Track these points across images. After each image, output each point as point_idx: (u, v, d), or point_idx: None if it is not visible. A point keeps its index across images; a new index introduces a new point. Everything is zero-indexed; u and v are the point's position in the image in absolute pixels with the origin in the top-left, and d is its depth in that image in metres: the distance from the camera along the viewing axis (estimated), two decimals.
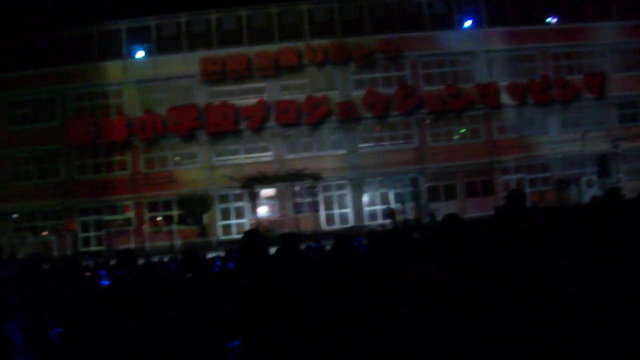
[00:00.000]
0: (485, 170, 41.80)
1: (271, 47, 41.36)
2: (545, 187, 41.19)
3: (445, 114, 42.08)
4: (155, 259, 18.86)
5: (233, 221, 40.89)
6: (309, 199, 41.07)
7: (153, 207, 41.18)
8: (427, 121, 42.22)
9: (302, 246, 13.37)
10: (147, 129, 40.38)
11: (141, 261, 10.60)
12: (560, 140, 41.35)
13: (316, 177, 40.00)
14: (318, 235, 29.74)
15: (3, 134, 40.69)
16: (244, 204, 40.98)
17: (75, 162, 41.09)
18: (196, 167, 41.20)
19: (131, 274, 7.72)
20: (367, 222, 40.16)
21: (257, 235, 6.62)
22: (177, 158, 41.86)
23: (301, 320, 5.50)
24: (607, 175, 38.53)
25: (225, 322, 6.59)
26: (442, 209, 32.43)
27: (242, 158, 41.16)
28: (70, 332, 7.12)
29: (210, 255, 18.59)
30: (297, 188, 40.90)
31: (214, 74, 40.94)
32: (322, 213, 41.15)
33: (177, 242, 37.93)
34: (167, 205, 40.90)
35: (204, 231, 39.81)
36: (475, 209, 34.91)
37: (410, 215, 39.44)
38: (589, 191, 35.87)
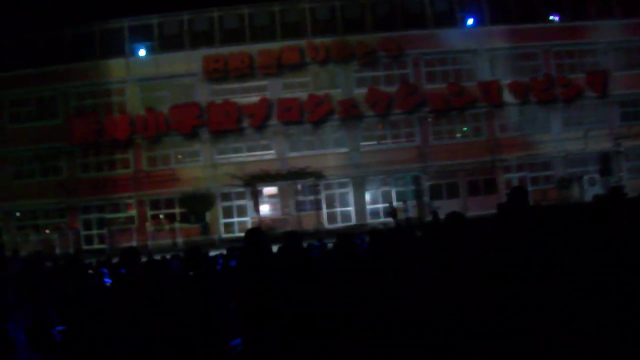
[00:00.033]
0: (487, 168, 41.79)
1: (273, 45, 41.35)
2: (548, 185, 41.15)
3: (447, 112, 42.05)
4: (157, 257, 18.91)
5: (235, 219, 40.90)
6: (311, 197, 41.09)
7: (155, 205, 41.19)
8: (430, 119, 42.16)
9: (305, 244, 13.39)
10: (149, 127, 40.39)
11: (144, 259, 10.61)
12: (563, 139, 41.35)
13: (318, 175, 40.03)
14: (320, 234, 29.76)
15: (5, 132, 40.76)
16: (246, 202, 40.97)
17: (77, 160, 41.10)
18: (198, 165, 41.21)
19: (134, 272, 7.72)
20: (369, 220, 40.16)
21: (260, 233, 6.62)
22: (180, 156, 41.88)
23: (303, 319, 5.50)
24: (610, 173, 38.50)
25: (227, 320, 6.59)
26: (444, 207, 32.52)
27: (244, 156, 41.14)
28: (73, 330, 7.13)
29: (212, 253, 18.58)
30: (299, 186, 40.91)
31: (216, 72, 40.93)
32: (324, 211, 41.16)
33: (180, 240, 37.95)
34: (169, 204, 40.92)
35: (206, 229, 39.84)
36: (478, 207, 34.91)
37: (413, 213, 39.42)
38: (591, 190, 35.84)
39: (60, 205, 40.63)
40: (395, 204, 40.56)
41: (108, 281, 10.63)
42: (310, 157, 40.49)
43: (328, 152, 41.19)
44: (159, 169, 40.95)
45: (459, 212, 6.69)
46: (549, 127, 42.55)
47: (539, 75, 42.61)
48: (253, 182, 39.74)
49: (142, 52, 42.05)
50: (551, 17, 44.23)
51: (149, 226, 40.04)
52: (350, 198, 41.56)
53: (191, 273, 7.31)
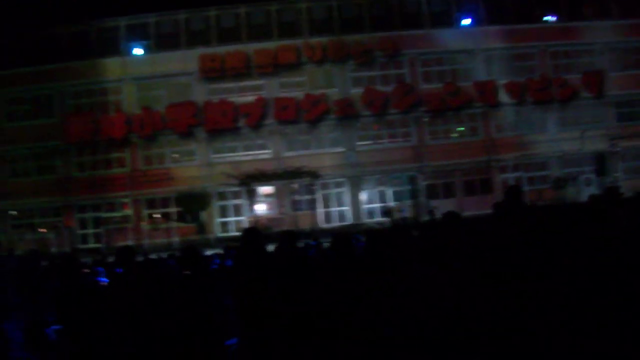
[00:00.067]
0: (483, 168, 41.84)
1: (270, 45, 41.36)
2: (544, 185, 41.16)
3: (443, 112, 42.08)
4: (153, 256, 18.90)
5: (231, 219, 40.88)
6: (307, 197, 41.13)
7: (151, 204, 41.15)
8: (426, 119, 42.19)
9: (301, 244, 13.39)
10: (145, 126, 40.38)
11: (140, 258, 10.61)
12: (559, 139, 41.39)
13: (314, 174, 40.08)
14: (316, 233, 29.75)
15: (2, 131, 40.70)
16: (242, 201, 40.99)
17: (73, 159, 41.03)
18: (194, 164, 41.18)
19: (130, 271, 7.72)
20: (365, 220, 40.17)
21: (256, 233, 6.63)
22: (176, 155, 41.86)
23: (299, 318, 5.51)
24: (605, 174, 38.50)
25: (223, 319, 6.60)
26: (441, 207, 32.47)
27: (240, 155, 41.11)
28: (69, 329, 7.13)
29: (208, 252, 18.57)
30: (295, 186, 40.93)
31: (213, 71, 40.93)
32: (320, 211, 41.16)
33: (175, 240, 37.92)
34: (165, 203, 40.89)
35: (202, 228, 39.83)
36: (474, 207, 34.89)
37: (409, 213, 39.43)
38: (587, 190, 35.85)
39: (56, 204, 40.60)
40: (391, 203, 40.63)
41: (103, 280, 10.61)
42: (307, 157, 40.51)
43: (324, 152, 41.19)
44: (155, 168, 40.94)
45: (456, 211, 6.70)
46: (545, 128, 42.61)
47: (535, 76, 42.69)
48: (249, 181, 39.77)
49: (138, 51, 41.99)
50: (547, 18, 44.28)
51: (145, 225, 40.03)
52: (347, 197, 41.56)
53: (187, 272, 7.31)
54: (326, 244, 14.36)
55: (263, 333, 5.65)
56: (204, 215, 40.30)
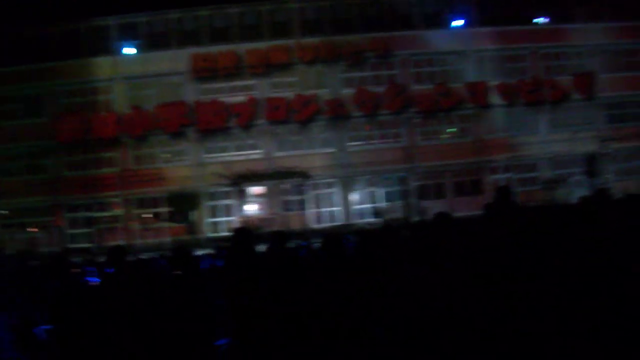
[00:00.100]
0: (474, 169, 41.96)
1: (261, 45, 41.35)
2: (534, 186, 41.22)
3: (434, 113, 42.15)
4: (143, 256, 18.86)
5: (222, 219, 40.82)
6: (298, 197, 41.14)
7: (142, 204, 41.04)
8: (417, 120, 42.23)
9: (291, 244, 13.39)
10: (136, 126, 40.30)
11: (130, 258, 10.58)
12: (550, 140, 41.51)
13: (305, 175, 40.09)
14: (307, 234, 29.73)
15: None
16: (233, 201, 40.95)
17: (64, 158, 40.81)
18: (185, 164, 41.09)
19: (121, 270, 7.71)
20: (355, 220, 40.16)
21: (246, 233, 6.63)
22: (166, 155, 41.78)
23: (290, 319, 5.51)
24: (596, 175, 38.57)
25: (214, 319, 6.59)
26: (431, 207, 32.51)
27: (231, 155, 41.05)
28: (59, 329, 7.11)
29: (198, 252, 18.54)
30: (286, 186, 40.92)
31: (204, 71, 40.89)
32: (311, 211, 41.16)
33: (166, 240, 37.84)
34: (156, 202, 40.79)
35: (192, 228, 39.78)
36: (464, 208, 34.85)
37: (399, 213, 39.44)
38: (577, 191, 35.89)
39: (46, 204, 40.42)
40: (382, 204, 40.68)
41: (94, 280, 10.58)
42: (298, 157, 40.52)
43: (315, 152, 41.20)
44: (146, 167, 40.82)
45: (447, 212, 6.71)
46: (535, 129, 42.70)
47: (526, 77, 42.80)
48: (240, 181, 39.75)
49: (129, 51, 41.88)
50: (539, 20, 44.42)
51: (136, 225, 39.96)
52: (337, 198, 41.56)
53: (178, 272, 7.30)
54: (317, 245, 14.36)
55: (254, 333, 5.64)
56: (194, 215, 40.27)
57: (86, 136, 40.03)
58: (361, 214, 41.23)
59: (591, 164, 38.87)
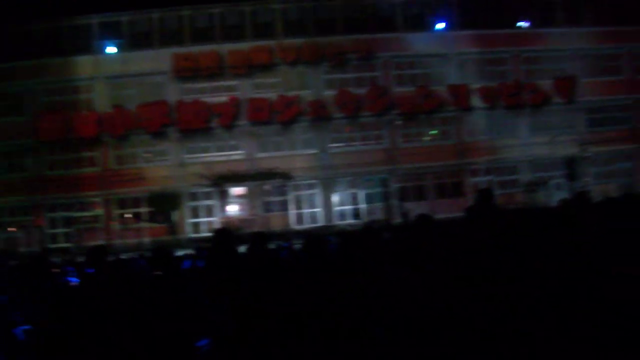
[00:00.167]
0: (455, 171, 42.16)
1: (244, 46, 41.33)
2: (514, 189, 41.45)
3: (416, 115, 42.27)
4: (123, 256, 18.79)
5: (203, 219, 40.74)
6: (279, 198, 41.13)
7: (122, 204, 40.87)
8: (398, 122, 42.32)
9: (272, 245, 13.39)
10: (117, 125, 40.11)
11: (110, 258, 10.54)
12: (530, 144, 41.75)
13: (287, 176, 40.09)
14: (288, 235, 29.74)
15: None
16: (214, 202, 40.88)
17: (44, 157, 40.59)
18: (166, 164, 40.95)
19: (102, 271, 7.68)
20: (336, 221, 40.21)
21: (227, 233, 6.62)
22: (148, 155, 41.61)
23: (271, 320, 5.50)
24: (576, 178, 38.79)
25: (194, 320, 6.58)
26: (412, 209, 32.62)
27: (212, 156, 40.96)
28: (37, 329, 7.07)
29: (179, 253, 18.50)
30: (267, 187, 40.90)
31: (186, 71, 40.80)
32: (292, 212, 41.16)
33: (146, 240, 37.70)
34: (136, 203, 40.62)
35: (173, 229, 39.66)
36: (445, 210, 34.99)
37: (380, 215, 39.52)
38: (557, 194, 36.10)
39: (25, 203, 40.16)
40: (362, 205, 40.79)
41: (74, 280, 10.53)
42: (279, 158, 40.50)
43: (297, 153, 41.22)
44: (127, 167, 40.65)
45: (428, 214, 6.74)
46: (516, 132, 42.89)
47: (508, 80, 43.00)
48: (221, 182, 39.68)
49: (111, 50, 41.72)
50: (520, 23, 44.66)
51: (116, 225, 39.81)
52: (319, 199, 41.59)
53: (158, 272, 7.28)
54: (298, 246, 14.37)
55: (234, 334, 5.63)
56: (175, 215, 40.15)
57: (67, 135, 39.79)
58: (342, 215, 41.29)
59: (571, 167, 39.08)
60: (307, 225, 40.09)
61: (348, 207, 41.65)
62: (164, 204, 39.57)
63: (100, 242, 34.96)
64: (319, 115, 41.06)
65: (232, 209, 41.23)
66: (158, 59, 40.51)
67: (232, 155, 41.01)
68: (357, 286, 5.49)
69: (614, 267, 4.93)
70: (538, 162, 42.06)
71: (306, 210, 41.46)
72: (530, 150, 41.69)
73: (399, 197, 41.14)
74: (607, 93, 43.36)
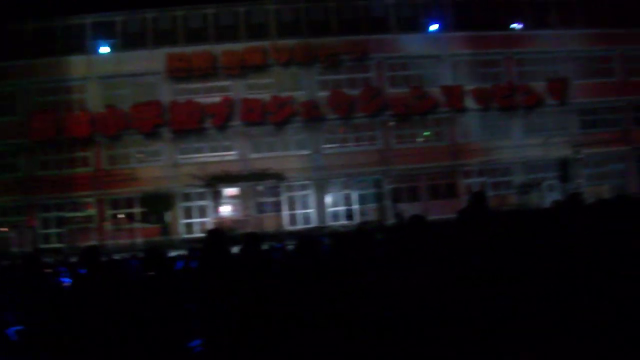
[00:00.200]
0: (448, 173, 42.23)
1: (237, 46, 41.28)
2: (507, 191, 41.52)
3: (409, 117, 42.25)
4: (116, 256, 18.76)
5: (196, 220, 40.70)
6: (272, 199, 41.12)
7: (115, 204, 40.78)
8: (392, 123, 42.32)
9: (265, 246, 13.37)
10: (110, 125, 40.02)
11: (103, 259, 10.52)
12: (523, 145, 41.80)
13: (280, 177, 40.08)
14: (281, 235, 29.72)
15: None
16: (207, 202, 40.85)
17: (37, 157, 40.47)
18: (159, 164, 40.88)
19: (94, 271, 7.66)
20: (329, 222, 40.21)
21: (220, 234, 6.62)
22: (141, 155, 41.55)
23: (263, 320, 5.50)
24: (569, 180, 38.88)
25: (187, 320, 6.57)
26: (406, 210, 32.64)
27: (206, 156, 40.93)
28: (30, 329, 7.06)
29: (172, 253, 18.47)
30: (260, 188, 40.87)
31: (179, 71, 40.73)
32: (285, 213, 41.15)
33: (139, 240, 37.63)
34: (129, 203, 40.55)
35: (166, 229, 39.62)
36: (438, 211, 35.02)
37: (373, 216, 39.54)
38: (550, 196, 36.16)
39: (18, 203, 40.04)
40: (355, 206, 40.79)
41: (66, 280, 10.52)
42: (272, 159, 40.47)
43: (290, 154, 41.21)
44: (120, 167, 40.57)
45: (421, 215, 6.74)
46: (509, 134, 42.98)
47: (501, 82, 43.06)
48: (214, 182, 39.65)
49: (104, 50, 41.64)
50: (514, 25, 44.73)
51: (109, 225, 39.73)
52: (312, 200, 41.58)
53: (151, 273, 7.27)
54: (291, 247, 14.37)
55: (226, 335, 5.63)
56: (168, 216, 40.11)
57: (60, 135, 39.70)
58: (335, 216, 41.30)
59: (564, 168, 39.18)
60: (300, 226, 40.08)
61: (341, 208, 41.66)
62: (157, 204, 39.52)
63: (93, 242, 34.89)
64: (312, 116, 41.06)
65: (225, 210, 41.21)
66: (151, 59, 40.43)
67: (225, 155, 40.98)
68: (349, 287, 5.49)
69: (606, 268, 4.95)
70: (531, 164, 42.11)
71: (299, 211, 41.45)
72: (523, 152, 41.75)
73: (392, 198, 41.19)
74: (600, 95, 43.48)
